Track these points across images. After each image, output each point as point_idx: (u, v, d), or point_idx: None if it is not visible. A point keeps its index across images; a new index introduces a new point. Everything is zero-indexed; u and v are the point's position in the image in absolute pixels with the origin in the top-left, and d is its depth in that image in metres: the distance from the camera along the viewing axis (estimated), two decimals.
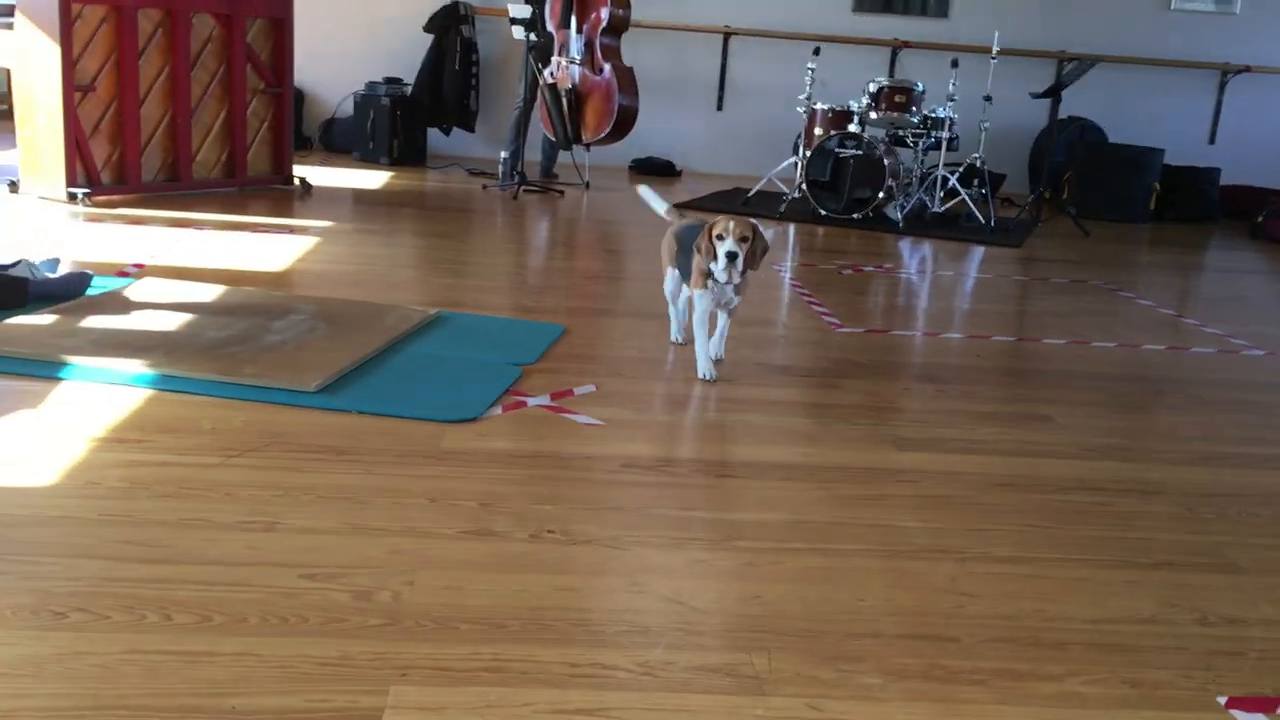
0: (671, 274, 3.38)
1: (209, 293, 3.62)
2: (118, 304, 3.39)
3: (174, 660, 1.55)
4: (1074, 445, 2.83)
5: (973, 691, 1.63)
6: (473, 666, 1.59)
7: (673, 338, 3.50)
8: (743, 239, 2.94)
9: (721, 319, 3.23)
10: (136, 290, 3.58)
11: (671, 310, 3.50)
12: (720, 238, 2.95)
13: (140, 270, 3.94)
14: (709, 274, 3.02)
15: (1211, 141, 8.97)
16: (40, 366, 2.76)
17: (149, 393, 2.66)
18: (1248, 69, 8.74)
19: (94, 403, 2.56)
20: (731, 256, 2.92)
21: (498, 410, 2.71)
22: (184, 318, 3.27)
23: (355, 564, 1.87)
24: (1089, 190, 7.90)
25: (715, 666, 1.64)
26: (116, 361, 2.80)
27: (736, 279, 3.01)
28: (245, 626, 1.65)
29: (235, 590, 1.75)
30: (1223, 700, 1.66)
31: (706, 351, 3.14)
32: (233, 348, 2.99)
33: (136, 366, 2.78)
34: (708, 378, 3.10)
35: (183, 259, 4.20)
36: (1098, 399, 3.29)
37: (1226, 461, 2.79)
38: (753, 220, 3.01)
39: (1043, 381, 3.47)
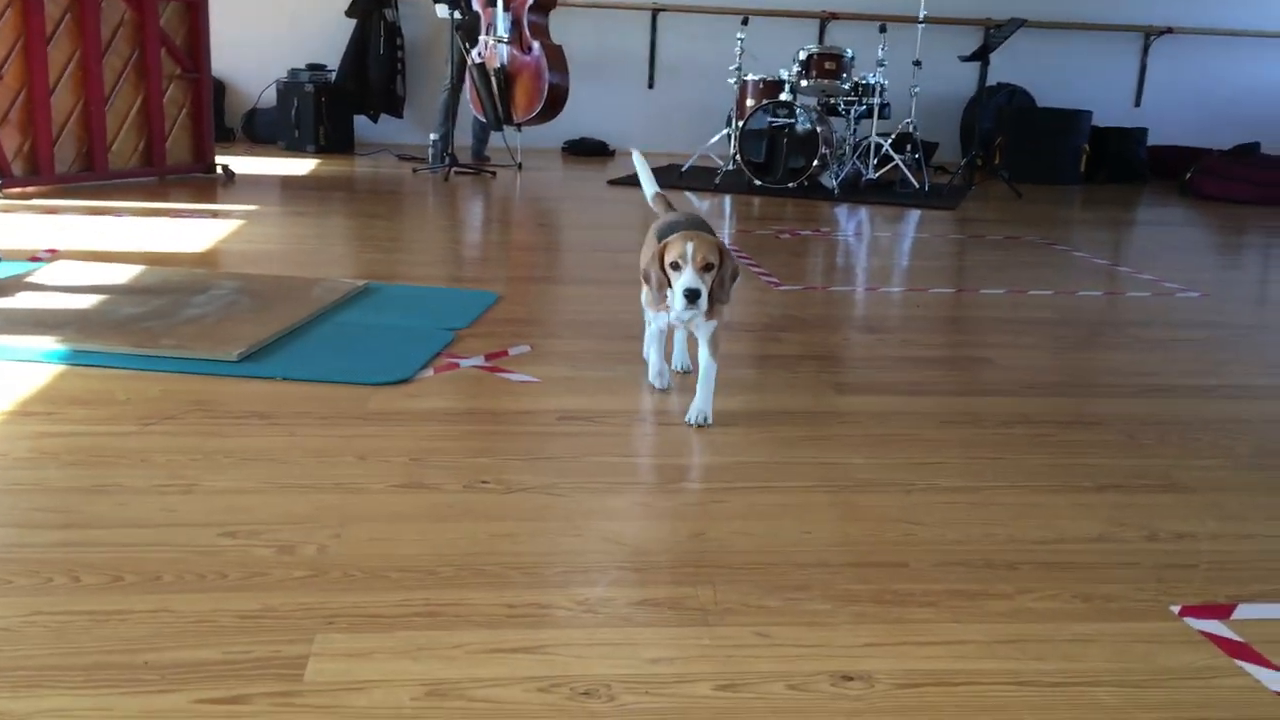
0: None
1: (125, 273, 3.48)
2: (27, 286, 3.25)
3: (82, 619, 1.45)
4: (1015, 383, 2.80)
5: (924, 612, 1.58)
6: (403, 612, 1.51)
7: (644, 353, 2.71)
8: (706, 267, 2.20)
9: (702, 360, 2.36)
10: (48, 273, 3.44)
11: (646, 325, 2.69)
12: (675, 266, 2.21)
13: (53, 255, 3.79)
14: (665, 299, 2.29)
15: (1137, 104, 9.07)
16: None
17: (61, 368, 2.54)
18: (1169, 30, 8.85)
19: (2, 379, 2.43)
20: (691, 295, 2.18)
21: (429, 372, 2.63)
22: (99, 297, 3.14)
23: (278, 520, 1.78)
24: (1020, 154, 7.94)
25: (658, 600, 1.58)
26: (25, 339, 2.67)
27: (700, 315, 2.27)
28: (159, 584, 1.56)
29: (149, 550, 1.66)
30: (1176, 609, 1.63)
31: (660, 365, 2.56)
32: (149, 322, 2.87)
33: (47, 343, 2.65)
34: (659, 385, 2.55)
35: (98, 244, 4.05)
36: (1037, 342, 3.27)
37: (1167, 393, 2.78)
38: (716, 239, 2.27)
39: (982, 328, 3.45)
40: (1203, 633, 1.56)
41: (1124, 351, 3.22)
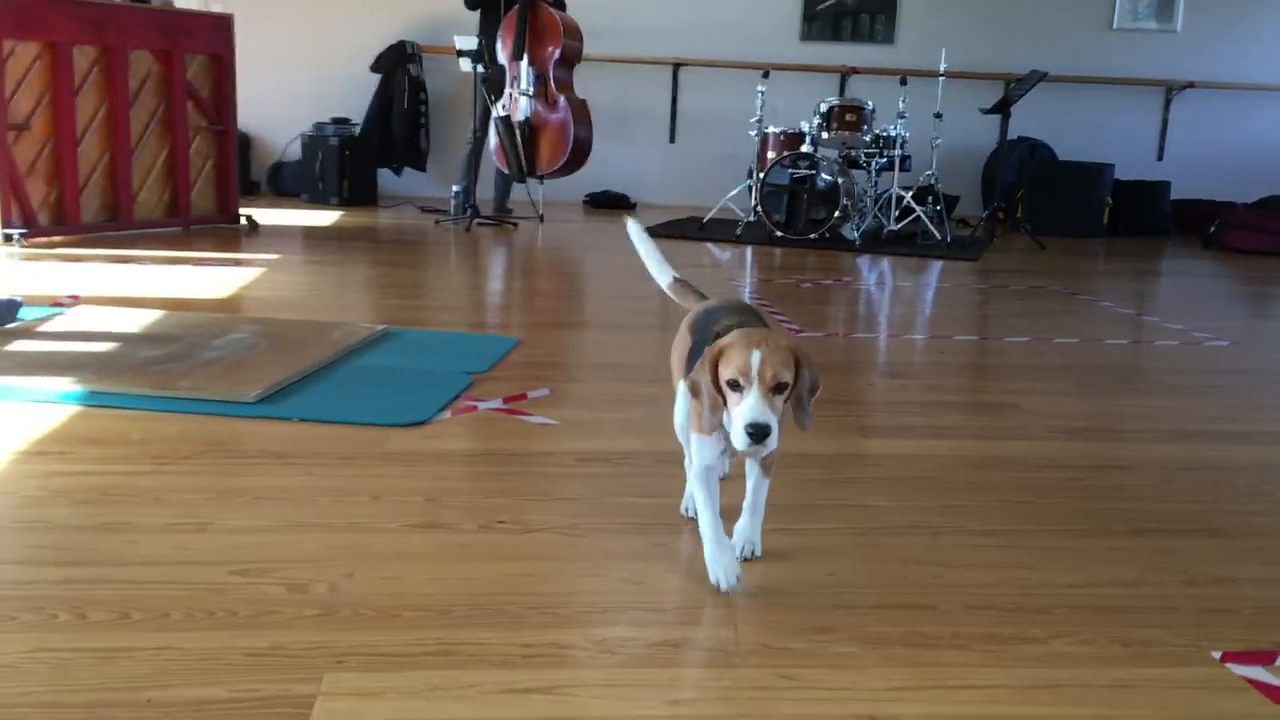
0: (685, 394, 1.89)
1: (145, 318, 3.48)
2: (48, 330, 3.24)
3: (86, 656, 1.41)
4: (1043, 428, 2.74)
5: (956, 655, 1.52)
6: (416, 652, 1.46)
7: (683, 507, 2.04)
8: (777, 387, 1.57)
9: (751, 477, 1.81)
10: (69, 317, 3.44)
11: (687, 457, 1.92)
12: (735, 386, 1.57)
13: (74, 301, 3.80)
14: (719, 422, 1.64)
15: (1160, 157, 9.04)
16: None
17: (77, 409, 2.52)
18: (1191, 85, 8.84)
19: (16, 420, 2.42)
20: (759, 433, 1.54)
21: (447, 414, 2.59)
22: (117, 340, 3.14)
23: (291, 559, 1.74)
24: (1042, 207, 7.91)
25: (678, 641, 1.53)
26: (41, 380, 2.65)
27: (767, 451, 1.63)
28: (167, 622, 1.52)
29: (158, 588, 1.62)
30: (1218, 655, 1.56)
31: (719, 538, 1.71)
32: (167, 364, 2.86)
33: (64, 384, 2.64)
34: (724, 588, 1.68)
35: (120, 291, 4.06)
36: (1064, 388, 3.22)
37: (1200, 439, 2.72)
38: (790, 340, 1.62)
39: (1008, 374, 3.39)
40: (1246, 679, 1.49)
41: (1154, 398, 3.16)
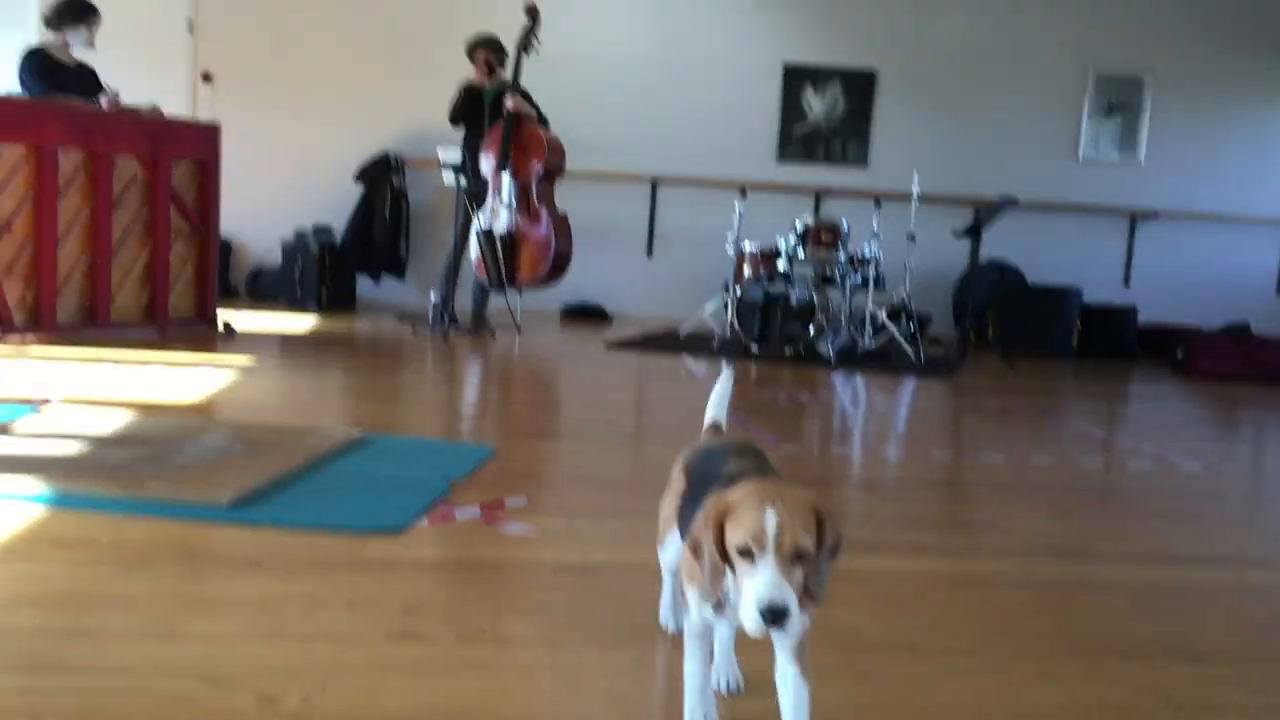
0: (673, 537, 1.76)
1: (118, 419, 3.44)
2: (17, 430, 3.20)
3: None
4: (1020, 547, 2.74)
5: None
6: None
7: (662, 620, 1.97)
8: (797, 556, 1.31)
9: (786, 682, 1.44)
10: (41, 418, 3.40)
11: (667, 581, 1.94)
12: (745, 552, 1.31)
13: (47, 401, 3.76)
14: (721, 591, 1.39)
15: (1127, 283, 9.23)
16: None
17: (44, 510, 2.47)
18: (1155, 214, 9.09)
19: None
20: (775, 616, 1.27)
21: (424, 522, 2.56)
22: (88, 442, 3.10)
23: (262, 670, 1.70)
24: (1012, 328, 8.03)
25: None
26: (10, 480, 2.61)
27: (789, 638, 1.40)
28: None
29: (123, 697, 1.57)
30: None
31: (703, 684, 1.55)
32: (139, 467, 2.82)
33: (31, 485, 2.59)
34: None
35: (94, 391, 4.02)
36: (1039, 507, 3.22)
37: (1177, 562, 2.72)
38: (809, 495, 1.35)
39: (983, 492, 3.40)
40: None
41: (1130, 519, 3.17)
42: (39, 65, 5.74)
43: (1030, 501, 3.28)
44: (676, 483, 1.74)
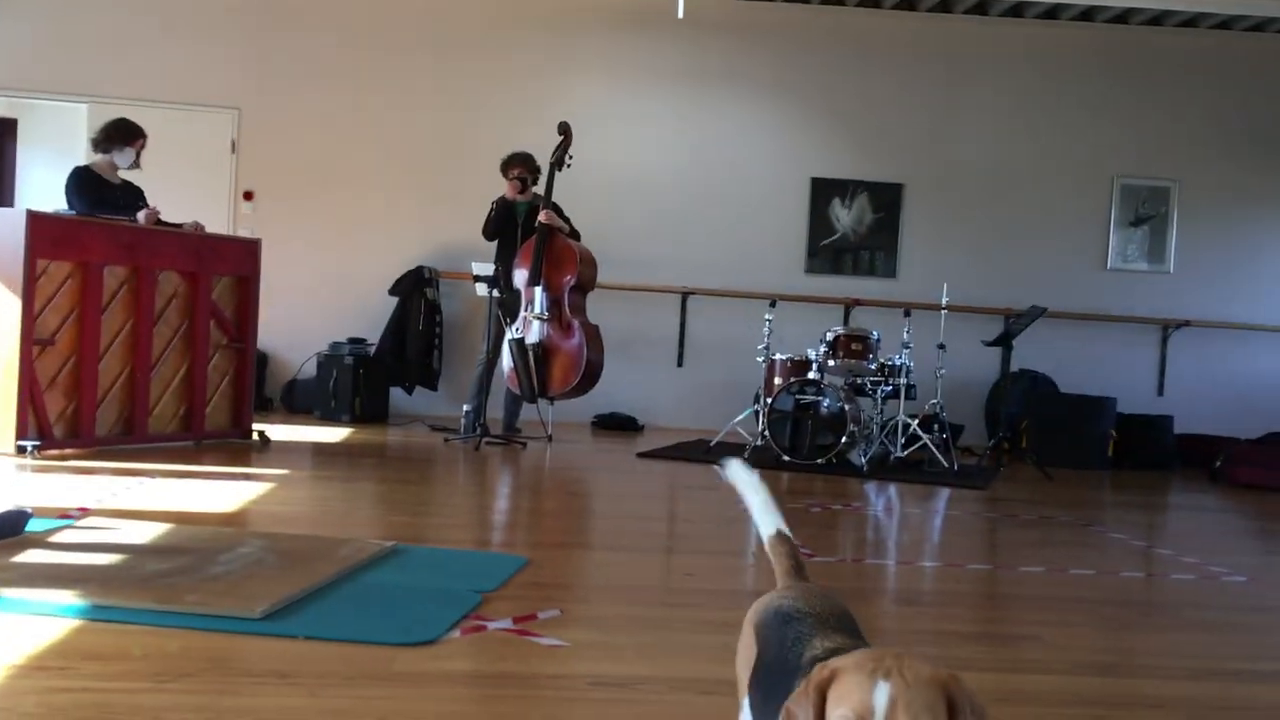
0: (745, 708, 1.46)
1: (153, 531, 3.46)
2: (55, 542, 3.22)
3: None
4: (1066, 662, 2.68)
5: None
6: None
7: None
8: None
9: None
10: (76, 530, 3.42)
11: None
12: None
13: (83, 514, 3.79)
14: None
15: (1161, 392, 9.17)
16: None
17: (78, 623, 2.47)
18: (1187, 323, 9.06)
19: (17, 633, 2.37)
20: None
21: (456, 634, 2.54)
22: (124, 554, 3.11)
23: None
24: (1047, 438, 7.96)
25: None
26: (44, 593, 2.62)
27: None
28: None
29: None
30: None
31: None
32: (173, 578, 2.82)
33: (66, 597, 2.60)
34: None
35: (129, 503, 4.05)
36: (1083, 620, 3.15)
37: (1227, 678, 2.64)
38: (937, 674, 1.11)
39: (1024, 604, 3.33)
40: None
41: (1176, 633, 3.09)
42: (85, 183, 5.91)
43: (1073, 614, 3.21)
44: (747, 646, 1.48)
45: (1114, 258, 9.16)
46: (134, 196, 6.09)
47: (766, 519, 1.69)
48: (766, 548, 1.66)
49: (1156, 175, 9.13)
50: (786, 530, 1.65)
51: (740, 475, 1.72)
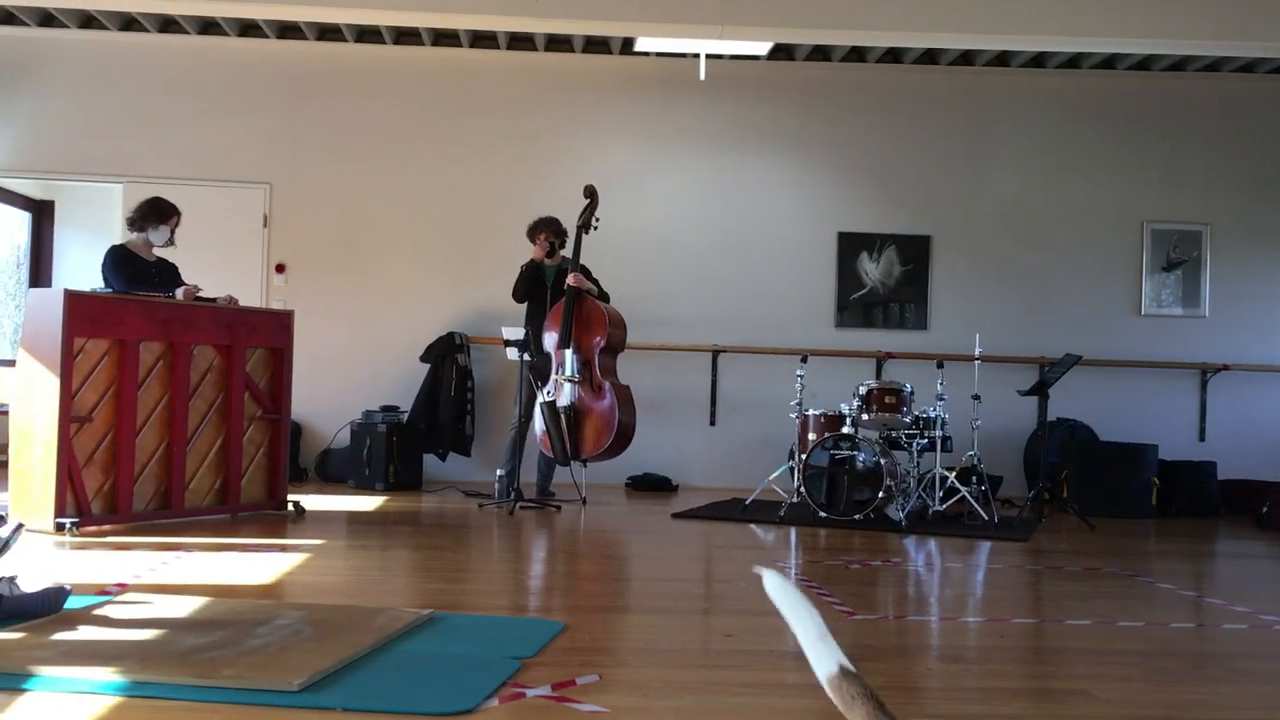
0: None
1: (190, 605, 3.46)
2: (94, 618, 3.23)
3: None
4: (1118, 717, 2.61)
5: None
6: None
7: None
8: None
9: None
10: (114, 607, 3.43)
11: None
12: None
13: (121, 589, 3.79)
14: None
15: (1202, 438, 9.03)
16: (3, 679, 2.58)
17: (117, 699, 2.46)
18: (1226, 367, 8.95)
19: (56, 711, 2.36)
20: None
21: (494, 702, 2.51)
22: (162, 628, 3.10)
23: None
24: (1087, 488, 7.84)
25: None
26: (83, 670, 2.62)
27: None
28: None
29: None
30: None
31: None
32: (211, 653, 2.82)
33: (106, 674, 2.60)
34: None
35: (167, 578, 4.06)
36: (1135, 674, 3.08)
37: None
38: None
39: (1072, 659, 3.26)
40: None
41: (1231, 684, 3.01)
42: (120, 261, 6.01)
43: (1123, 667, 3.14)
44: None
45: (1148, 303, 9.08)
46: (169, 273, 6.18)
47: (822, 653, 1.29)
48: (829, 691, 1.27)
49: (1187, 219, 9.08)
50: (850, 665, 1.26)
51: (781, 593, 1.33)
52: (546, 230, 7.34)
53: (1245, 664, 3.26)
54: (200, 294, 5.92)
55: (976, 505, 6.70)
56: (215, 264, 7.86)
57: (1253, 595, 4.54)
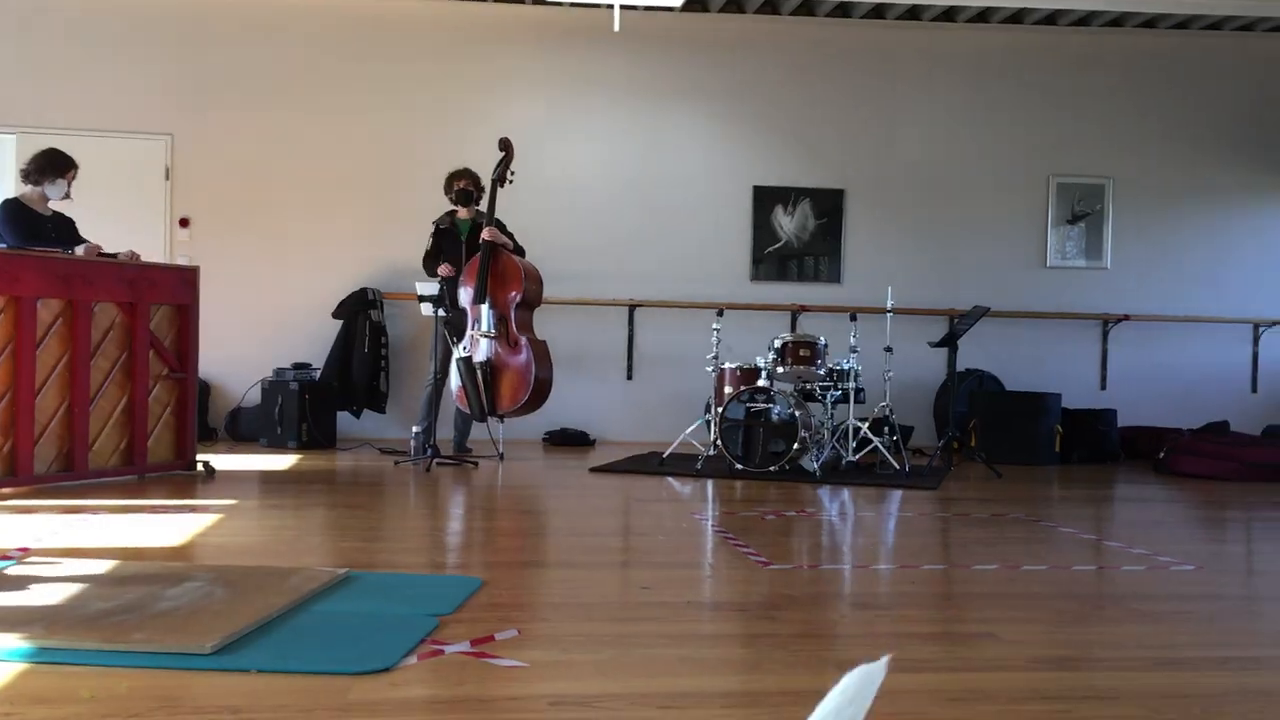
0: None
1: (97, 568, 3.38)
2: None
3: None
4: (1022, 658, 2.69)
5: None
6: None
7: None
8: None
9: None
10: (17, 571, 3.33)
11: None
12: None
13: (24, 553, 3.69)
14: None
15: (1103, 386, 9.31)
16: None
17: (23, 666, 2.40)
18: (1126, 317, 9.22)
19: None
20: None
21: (412, 660, 2.50)
22: (68, 592, 3.03)
23: None
24: (995, 436, 8.05)
25: None
26: None
27: None
28: None
29: None
30: None
31: None
32: (120, 616, 2.76)
33: (10, 640, 2.53)
34: None
35: (72, 541, 3.95)
36: (1038, 616, 3.18)
37: (1180, 666, 2.68)
38: None
39: (979, 603, 3.36)
40: None
41: (1129, 624, 3.13)
42: (15, 215, 5.79)
43: (1027, 610, 3.24)
44: None
45: (1053, 255, 9.30)
46: (66, 228, 5.97)
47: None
48: None
49: (1091, 174, 9.29)
50: None
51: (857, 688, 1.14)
52: (464, 179, 7.28)
53: (1143, 604, 3.39)
54: (102, 252, 5.74)
55: (888, 455, 6.84)
56: (115, 218, 7.63)
57: (1150, 538, 4.72)
